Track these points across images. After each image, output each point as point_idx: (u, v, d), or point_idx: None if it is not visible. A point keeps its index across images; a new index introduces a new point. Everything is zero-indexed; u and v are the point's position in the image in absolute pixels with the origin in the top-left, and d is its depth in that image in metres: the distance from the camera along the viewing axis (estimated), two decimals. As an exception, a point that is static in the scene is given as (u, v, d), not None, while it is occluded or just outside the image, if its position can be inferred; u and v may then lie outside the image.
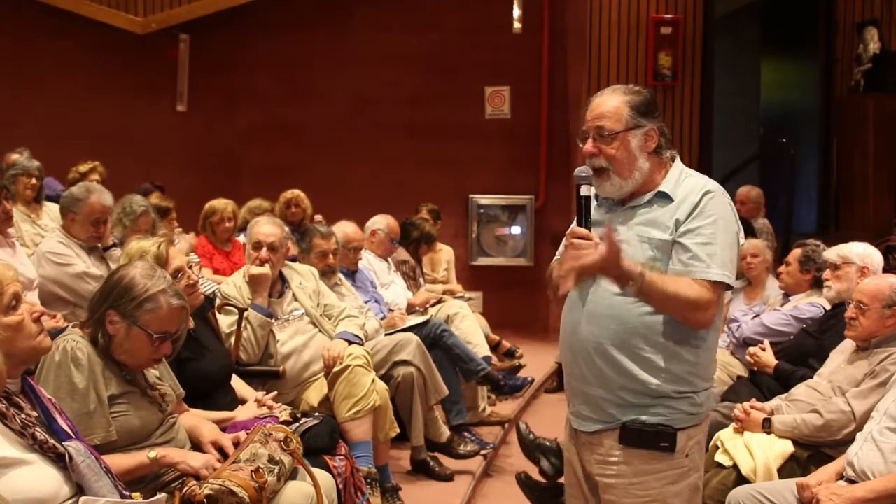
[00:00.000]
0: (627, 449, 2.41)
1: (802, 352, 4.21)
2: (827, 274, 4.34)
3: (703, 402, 2.46)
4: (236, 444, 2.82)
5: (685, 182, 2.46)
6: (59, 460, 2.17)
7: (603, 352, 2.41)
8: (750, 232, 6.08)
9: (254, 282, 4.08)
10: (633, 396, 2.40)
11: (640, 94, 2.50)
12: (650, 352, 2.38)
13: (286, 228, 4.42)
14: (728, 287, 2.40)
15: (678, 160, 2.52)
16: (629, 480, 2.41)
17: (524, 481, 4.02)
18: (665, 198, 2.44)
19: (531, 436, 4.05)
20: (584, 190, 2.45)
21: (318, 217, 6.76)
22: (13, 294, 2.24)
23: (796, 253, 4.90)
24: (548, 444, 4.02)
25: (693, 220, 2.38)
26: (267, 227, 4.19)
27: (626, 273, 2.30)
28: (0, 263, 2.31)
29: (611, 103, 2.47)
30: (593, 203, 2.52)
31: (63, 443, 2.21)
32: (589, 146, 2.47)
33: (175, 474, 2.65)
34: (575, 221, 2.42)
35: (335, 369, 3.93)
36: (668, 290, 2.32)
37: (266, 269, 4.07)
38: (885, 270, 4.32)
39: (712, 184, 2.46)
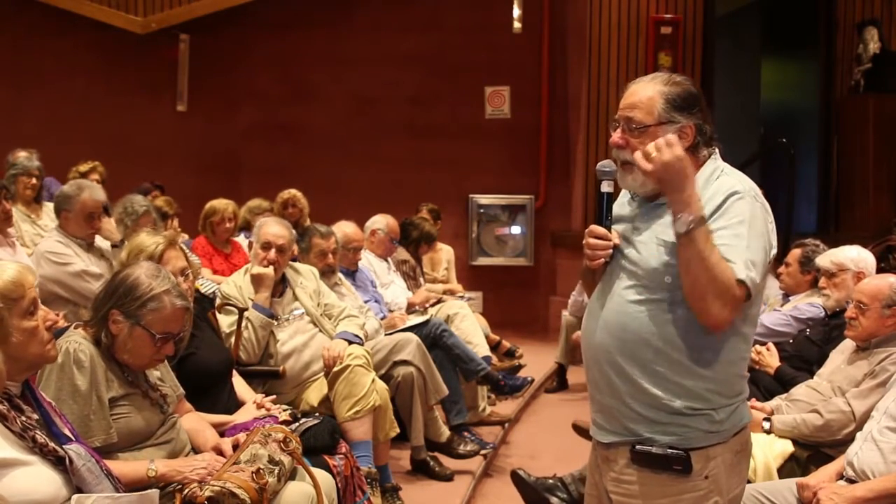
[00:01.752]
0: (641, 470, 2.26)
1: (805, 359, 4.21)
2: (823, 282, 4.33)
3: (726, 418, 2.25)
4: (236, 448, 2.82)
5: (716, 182, 2.24)
6: (59, 463, 2.17)
7: (613, 361, 2.28)
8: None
9: (256, 281, 4.08)
10: (643, 409, 2.25)
11: (681, 85, 2.26)
12: (661, 364, 2.22)
13: (293, 230, 4.43)
14: (748, 295, 2.15)
15: (715, 157, 2.29)
16: (643, 501, 2.28)
17: (518, 477, 3.99)
18: None
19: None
20: (605, 186, 2.33)
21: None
22: (32, 299, 2.23)
23: (796, 253, 4.89)
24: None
25: (716, 222, 2.16)
26: (276, 229, 4.19)
27: (690, 202, 2.11)
28: (22, 265, 2.29)
29: (645, 93, 2.25)
30: (627, 196, 2.39)
31: (63, 446, 2.20)
32: (616, 137, 2.28)
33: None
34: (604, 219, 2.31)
35: (335, 369, 3.93)
36: (710, 257, 2.09)
37: (270, 271, 4.07)
38: (885, 270, 4.33)
39: (744, 185, 2.22)
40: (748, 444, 2.39)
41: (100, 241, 4.78)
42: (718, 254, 2.11)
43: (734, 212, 2.18)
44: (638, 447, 2.26)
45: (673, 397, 2.23)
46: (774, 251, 2.27)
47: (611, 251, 2.31)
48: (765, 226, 2.22)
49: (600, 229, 2.29)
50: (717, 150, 2.31)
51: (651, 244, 2.25)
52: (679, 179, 2.13)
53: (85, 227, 4.60)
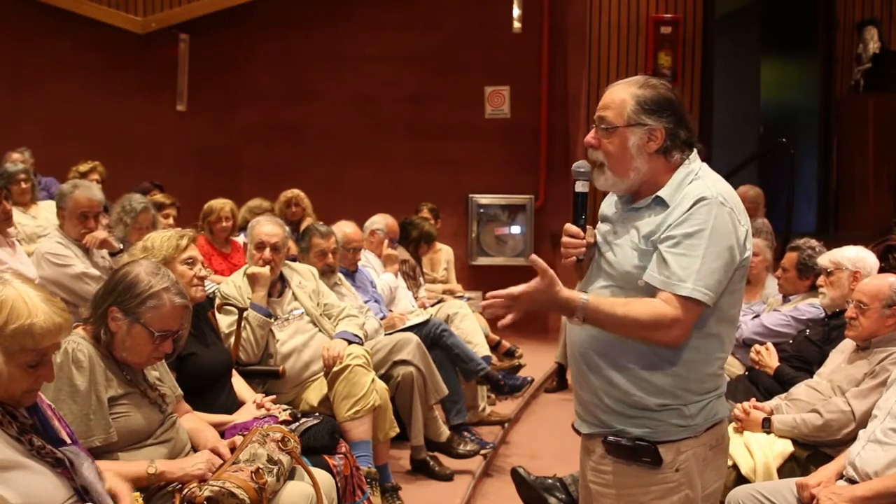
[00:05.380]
0: (615, 461, 2.34)
1: (805, 359, 4.21)
2: (821, 280, 4.34)
3: (696, 413, 2.30)
4: (233, 450, 2.81)
5: (688, 187, 2.27)
6: (58, 465, 2.16)
7: (587, 357, 2.36)
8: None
9: (252, 281, 4.08)
10: (615, 404, 2.32)
11: (655, 89, 2.30)
12: (632, 361, 2.28)
13: (287, 228, 4.43)
14: (706, 304, 2.22)
15: (689, 161, 2.33)
16: (616, 491, 2.34)
17: (518, 475, 3.99)
18: (662, 204, 2.29)
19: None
20: (580, 186, 2.40)
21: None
22: (43, 355, 2.12)
23: (792, 258, 4.86)
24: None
25: (676, 228, 2.22)
26: (269, 227, 4.19)
27: (567, 303, 2.22)
28: (66, 319, 2.13)
29: (618, 94, 2.32)
30: (612, 197, 2.44)
31: (61, 448, 2.19)
32: (590, 137, 2.35)
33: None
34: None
35: (335, 369, 3.93)
36: (616, 313, 2.21)
37: (266, 270, 4.07)
38: (885, 270, 4.32)
39: (712, 190, 2.25)
40: (724, 440, 2.44)
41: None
42: (621, 305, 2.23)
43: (695, 219, 2.23)
44: (610, 438, 2.34)
45: (643, 393, 2.30)
46: (749, 253, 2.31)
47: (584, 249, 2.41)
48: (729, 229, 2.25)
49: (574, 228, 2.39)
50: (694, 153, 2.35)
51: (626, 247, 2.33)
52: (543, 305, 2.24)
53: (78, 226, 4.60)
